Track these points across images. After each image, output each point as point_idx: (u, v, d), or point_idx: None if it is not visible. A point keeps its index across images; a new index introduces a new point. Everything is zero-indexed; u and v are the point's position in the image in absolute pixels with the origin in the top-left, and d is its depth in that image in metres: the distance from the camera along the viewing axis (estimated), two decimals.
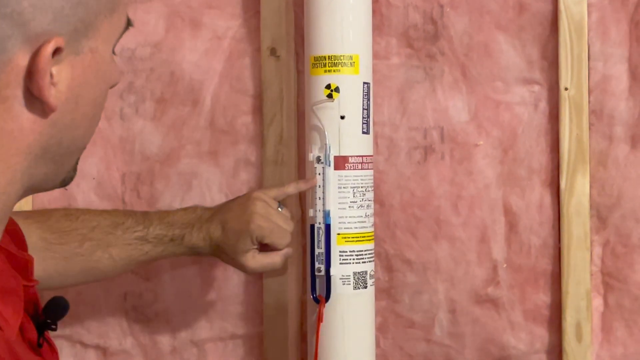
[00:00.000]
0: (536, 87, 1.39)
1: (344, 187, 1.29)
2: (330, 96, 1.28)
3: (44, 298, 0.92)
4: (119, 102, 1.52)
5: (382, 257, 1.43)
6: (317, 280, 1.30)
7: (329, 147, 1.28)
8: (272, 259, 1.30)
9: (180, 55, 1.50)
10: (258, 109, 1.47)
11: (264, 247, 1.30)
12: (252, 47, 1.47)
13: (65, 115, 0.76)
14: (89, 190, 1.53)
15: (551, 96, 1.38)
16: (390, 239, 1.43)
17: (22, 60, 0.72)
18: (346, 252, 1.29)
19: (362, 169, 1.30)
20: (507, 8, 1.39)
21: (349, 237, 1.29)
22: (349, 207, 1.29)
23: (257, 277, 1.46)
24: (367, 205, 1.31)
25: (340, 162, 1.29)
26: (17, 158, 0.74)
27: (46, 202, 1.53)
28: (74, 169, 0.83)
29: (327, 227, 1.29)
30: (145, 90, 1.51)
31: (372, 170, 1.32)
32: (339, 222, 1.29)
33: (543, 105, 1.39)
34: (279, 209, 1.31)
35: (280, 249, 1.30)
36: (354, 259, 1.29)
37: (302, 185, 1.32)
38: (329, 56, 1.29)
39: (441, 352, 1.43)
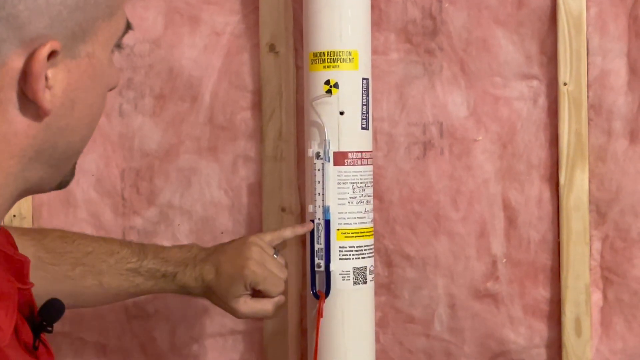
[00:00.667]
0: (535, 82, 1.39)
1: (343, 183, 1.29)
2: (329, 92, 1.28)
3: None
4: (118, 99, 1.52)
5: (381, 253, 1.43)
6: (317, 276, 1.30)
7: (329, 142, 1.28)
8: (264, 306, 1.27)
9: (179, 51, 1.50)
10: (257, 105, 1.47)
11: (257, 293, 1.27)
12: (251, 43, 1.47)
13: (61, 119, 0.75)
14: (89, 187, 1.53)
15: (550, 91, 1.38)
16: (389, 235, 1.43)
17: (17, 63, 0.71)
18: (346, 247, 1.29)
19: (361, 164, 1.30)
20: (506, 3, 1.39)
21: (348, 233, 1.29)
22: (349, 202, 1.29)
23: None
24: (367, 201, 1.31)
25: (340, 158, 1.29)
26: (10, 161, 0.74)
27: (44, 198, 1.53)
28: (72, 173, 0.82)
29: (327, 223, 1.29)
30: (144, 87, 1.51)
31: (371, 166, 1.32)
32: (339, 218, 1.29)
33: (542, 100, 1.39)
34: (275, 256, 1.29)
35: (272, 297, 1.27)
36: (353, 255, 1.29)
37: (298, 230, 1.32)
38: (328, 52, 1.29)
39: (441, 347, 1.43)
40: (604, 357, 1.38)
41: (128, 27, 0.81)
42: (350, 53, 1.29)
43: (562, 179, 1.36)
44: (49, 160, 0.77)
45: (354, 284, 1.29)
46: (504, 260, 1.40)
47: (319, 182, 1.29)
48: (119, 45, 0.81)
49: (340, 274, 1.29)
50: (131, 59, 1.51)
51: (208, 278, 1.26)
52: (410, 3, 1.42)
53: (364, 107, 1.30)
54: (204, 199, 1.50)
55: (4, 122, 0.72)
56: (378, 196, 1.42)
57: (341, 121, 1.29)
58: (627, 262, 1.37)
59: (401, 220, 1.43)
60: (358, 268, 1.29)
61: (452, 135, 1.41)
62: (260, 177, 1.46)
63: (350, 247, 1.29)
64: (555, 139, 1.37)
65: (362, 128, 1.30)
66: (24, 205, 1.54)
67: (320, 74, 1.29)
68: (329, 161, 1.29)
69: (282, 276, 1.28)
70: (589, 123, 1.36)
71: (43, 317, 0.86)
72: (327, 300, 1.28)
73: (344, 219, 1.29)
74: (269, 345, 1.46)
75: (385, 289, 1.44)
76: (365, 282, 1.30)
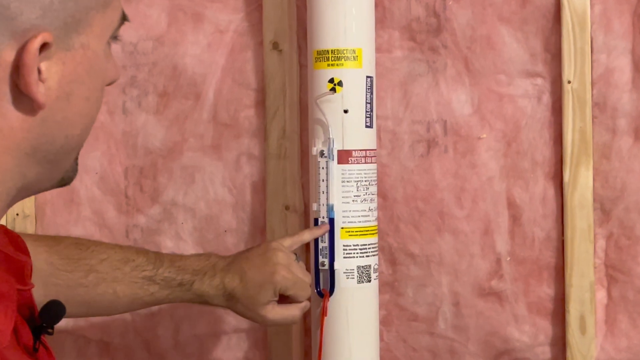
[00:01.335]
0: (539, 80, 1.39)
1: (347, 181, 1.29)
2: (333, 90, 1.28)
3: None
4: (122, 96, 1.52)
5: (385, 251, 1.43)
6: (321, 274, 1.30)
7: (333, 141, 1.28)
8: (292, 312, 1.27)
9: (182, 49, 1.50)
10: (261, 103, 1.47)
11: (281, 300, 1.27)
12: (255, 41, 1.47)
13: (57, 112, 0.74)
14: (92, 185, 1.53)
15: (554, 89, 1.38)
16: (393, 233, 1.43)
17: (9, 55, 0.70)
18: (350, 246, 1.29)
19: (365, 162, 1.30)
20: (510, 0, 1.39)
21: (352, 231, 1.29)
22: (353, 201, 1.29)
23: None
24: (371, 199, 1.31)
25: (344, 156, 1.29)
26: (5, 157, 0.73)
27: (48, 196, 1.53)
28: (73, 169, 0.81)
29: (331, 221, 1.29)
30: (148, 84, 1.51)
31: (375, 164, 1.32)
32: (343, 216, 1.29)
33: (546, 98, 1.39)
34: (297, 261, 1.28)
35: (300, 301, 1.27)
36: (357, 253, 1.29)
37: (316, 232, 1.30)
38: (332, 50, 1.28)
39: (445, 345, 1.43)
40: (608, 355, 1.38)
41: (124, 19, 0.80)
42: (354, 51, 1.29)
43: (566, 177, 1.36)
44: (47, 156, 0.76)
45: (358, 282, 1.29)
46: (509, 258, 1.40)
47: (323, 180, 1.29)
48: (115, 37, 0.80)
49: (344, 272, 1.29)
50: (134, 56, 1.51)
51: (231, 286, 1.25)
52: (414, 1, 1.42)
53: (368, 105, 1.30)
54: (208, 197, 1.50)
55: None
56: (382, 194, 1.42)
57: (345, 119, 1.29)
58: (632, 259, 1.37)
59: (405, 218, 1.43)
60: (362, 266, 1.29)
61: (457, 133, 1.41)
62: (264, 175, 1.46)
63: (354, 245, 1.29)
64: (560, 136, 1.37)
65: (366, 126, 1.30)
66: (27, 204, 1.53)
67: (325, 72, 1.29)
68: (333, 159, 1.28)
69: (308, 280, 1.28)
70: (593, 121, 1.36)
71: (43, 319, 0.85)
72: (331, 298, 1.29)
73: (348, 217, 1.29)
74: (272, 343, 1.46)
75: (390, 287, 1.44)
76: (370, 281, 1.30)
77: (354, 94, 1.29)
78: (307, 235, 1.31)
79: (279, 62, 1.44)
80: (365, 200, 1.30)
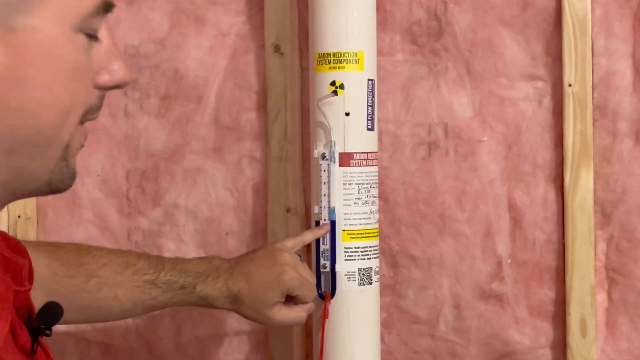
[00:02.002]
0: (540, 83, 1.39)
1: (348, 184, 1.29)
2: (335, 93, 1.28)
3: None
4: (124, 99, 1.52)
5: (386, 253, 1.44)
6: (323, 277, 1.30)
7: (334, 143, 1.28)
8: (298, 314, 1.26)
9: (184, 52, 1.50)
10: (262, 106, 1.47)
11: (286, 301, 1.26)
12: (256, 44, 1.47)
13: (9, 98, 0.69)
14: (94, 187, 1.53)
15: (555, 92, 1.38)
16: (395, 235, 1.43)
17: None
18: (351, 248, 1.29)
19: (367, 165, 1.30)
20: (511, 4, 1.39)
21: (354, 234, 1.30)
22: (354, 203, 1.29)
23: None
24: (372, 202, 1.31)
25: (345, 159, 1.29)
26: None
27: (49, 198, 1.53)
28: (62, 171, 0.75)
29: (332, 224, 1.29)
30: (150, 87, 1.52)
31: (377, 167, 1.32)
32: (344, 219, 1.29)
33: (547, 101, 1.39)
34: (301, 261, 1.28)
35: (306, 302, 1.27)
36: (359, 256, 1.29)
37: (318, 232, 1.30)
38: (333, 53, 1.29)
39: (446, 347, 1.43)
40: (609, 358, 1.38)
41: (106, 10, 0.74)
42: (355, 54, 1.29)
43: (567, 180, 1.36)
44: (15, 147, 0.71)
45: (360, 284, 1.30)
46: (509, 260, 1.41)
47: (324, 183, 1.29)
48: (92, 36, 0.74)
49: (345, 275, 1.29)
50: (137, 59, 1.51)
51: (236, 288, 1.24)
52: (415, 4, 1.42)
53: (370, 108, 1.30)
54: (210, 200, 1.50)
55: None
56: (383, 197, 1.42)
57: (347, 122, 1.29)
58: (633, 262, 1.37)
59: (406, 220, 1.43)
60: (363, 269, 1.30)
61: (458, 136, 1.42)
62: (266, 177, 1.47)
63: (355, 248, 1.29)
64: (561, 139, 1.37)
65: (368, 129, 1.30)
66: (29, 206, 1.54)
67: (326, 75, 1.29)
68: (334, 162, 1.29)
69: (313, 281, 1.28)
70: (594, 124, 1.36)
71: (41, 320, 0.84)
72: (332, 301, 1.29)
73: (350, 219, 1.29)
74: (274, 345, 1.46)
75: (391, 290, 1.44)
76: (371, 283, 1.31)
77: (355, 97, 1.29)
78: (309, 236, 1.31)
79: (280, 65, 1.44)
80: (366, 202, 1.30)
